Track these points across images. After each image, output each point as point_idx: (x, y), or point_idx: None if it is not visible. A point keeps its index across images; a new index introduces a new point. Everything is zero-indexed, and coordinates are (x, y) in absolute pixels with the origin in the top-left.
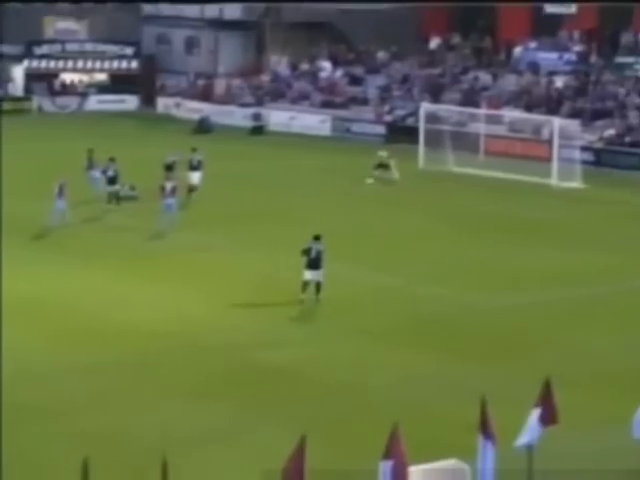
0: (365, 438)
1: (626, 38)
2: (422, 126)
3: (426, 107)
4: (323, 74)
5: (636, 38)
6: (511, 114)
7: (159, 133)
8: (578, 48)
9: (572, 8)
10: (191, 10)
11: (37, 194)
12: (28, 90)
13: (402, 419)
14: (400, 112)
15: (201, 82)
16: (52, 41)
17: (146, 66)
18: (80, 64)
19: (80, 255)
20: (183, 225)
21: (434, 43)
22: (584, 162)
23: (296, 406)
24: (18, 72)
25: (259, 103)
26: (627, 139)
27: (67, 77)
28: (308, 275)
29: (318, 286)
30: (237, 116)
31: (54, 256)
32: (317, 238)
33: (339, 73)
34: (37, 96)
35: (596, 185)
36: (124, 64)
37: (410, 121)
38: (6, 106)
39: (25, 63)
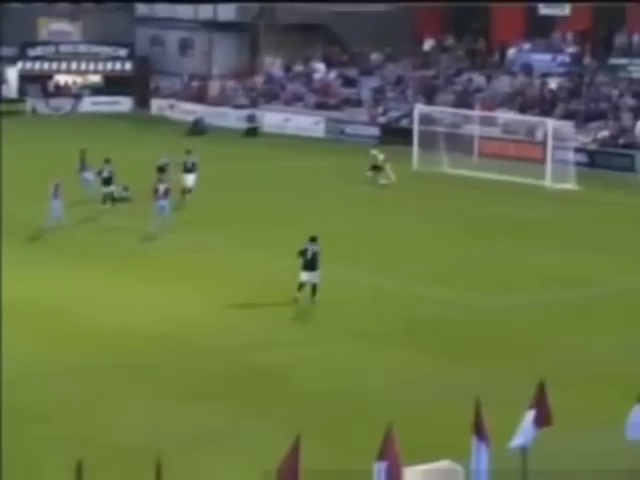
0: (361, 439)
1: (619, 40)
2: (416, 128)
3: (420, 109)
4: (317, 76)
5: (630, 40)
6: (505, 116)
7: (153, 135)
8: (572, 50)
9: (566, 10)
10: (185, 12)
11: (31, 195)
12: (22, 92)
13: (397, 420)
14: (394, 114)
15: (195, 84)
16: (46, 43)
17: (140, 68)
18: (74, 66)
19: (75, 256)
20: (178, 226)
21: (428, 45)
22: (578, 163)
23: (292, 407)
24: (12, 74)
25: (253, 105)
26: (621, 140)
27: (61, 79)
28: (304, 276)
29: (314, 288)
30: (231, 118)
31: (49, 257)
32: (313, 239)
33: (333, 75)
34: (31, 98)
35: (590, 186)
36: (118, 66)
37: (404, 123)
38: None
39: (19, 65)
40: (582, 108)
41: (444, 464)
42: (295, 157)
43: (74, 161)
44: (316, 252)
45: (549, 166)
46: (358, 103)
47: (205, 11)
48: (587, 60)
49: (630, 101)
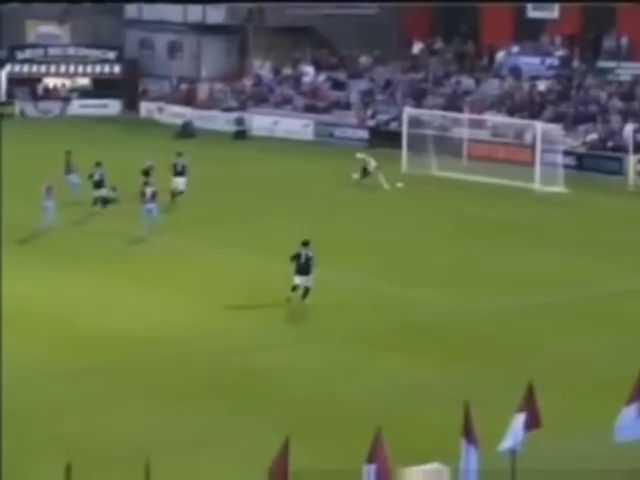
0: (351, 442)
1: (608, 43)
2: (405, 131)
3: (409, 112)
4: (306, 79)
5: (618, 43)
6: (494, 119)
7: (142, 137)
8: (560, 53)
9: (555, 13)
10: (174, 15)
11: (20, 197)
12: (10, 95)
13: (387, 423)
14: (383, 117)
15: (184, 86)
16: (34, 45)
17: (129, 70)
18: (63, 68)
19: (67, 258)
20: (168, 229)
21: (417, 48)
22: (566, 166)
23: (284, 410)
24: (0, 77)
25: (242, 107)
26: (609, 144)
27: (50, 81)
28: (297, 280)
29: (306, 291)
30: (220, 121)
31: (40, 260)
32: (306, 244)
33: (322, 78)
34: (20, 101)
35: (578, 189)
36: (107, 68)
37: (393, 126)
38: None
39: (7, 67)
40: (571, 111)
41: (432, 466)
42: (284, 160)
43: (61, 163)
44: (309, 257)
45: (538, 169)
46: (347, 106)
47: (194, 14)
48: (576, 63)
49: (618, 104)
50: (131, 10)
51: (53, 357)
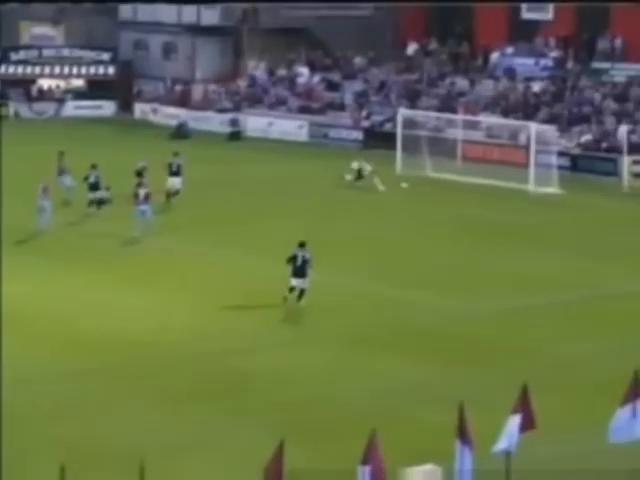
0: (348, 443)
1: (602, 44)
2: (399, 132)
3: (403, 113)
4: (300, 80)
5: (612, 44)
6: (488, 120)
7: (136, 139)
8: (555, 54)
9: (549, 14)
10: (168, 16)
11: (17, 199)
12: (4, 96)
13: (386, 424)
14: (377, 118)
15: (178, 88)
16: (29, 47)
17: (123, 72)
18: (57, 70)
19: (63, 259)
20: (163, 230)
21: (411, 49)
22: (561, 167)
23: (281, 411)
24: None
25: (236, 109)
26: (603, 145)
27: (44, 83)
28: (293, 282)
29: (301, 293)
30: (214, 122)
31: (37, 260)
32: (302, 245)
33: (316, 79)
34: (14, 102)
35: (572, 190)
36: (101, 70)
37: (387, 127)
38: None
39: (1, 69)
40: (565, 112)
41: (427, 467)
42: (279, 161)
43: (54, 164)
44: (306, 258)
45: (532, 170)
46: (341, 107)
47: (188, 15)
48: (570, 64)
49: (613, 105)
50: (125, 11)
51: (50, 358)
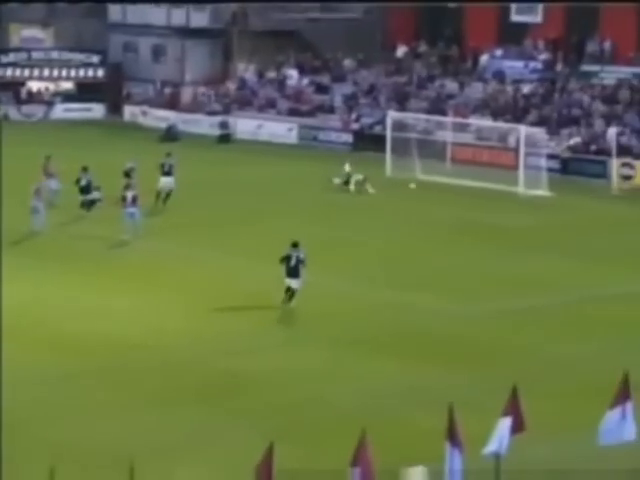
0: (341, 445)
1: (591, 46)
2: (389, 134)
3: (393, 115)
4: (290, 82)
5: (601, 46)
6: (477, 122)
7: (126, 141)
8: (544, 56)
9: (538, 17)
10: (157, 18)
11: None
12: None
13: (374, 427)
14: (367, 120)
15: (168, 90)
16: (18, 49)
17: (112, 74)
18: (46, 72)
19: (56, 261)
20: (154, 232)
21: (401, 51)
22: (550, 170)
23: (275, 413)
24: None
25: (226, 111)
26: (593, 147)
27: (33, 85)
28: (288, 283)
29: (293, 293)
30: (204, 124)
31: (30, 262)
32: (295, 245)
33: (306, 81)
34: (3, 105)
35: (562, 193)
36: (90, 72)
37: (377, 129)
38: None
39: None
40: (554, 115)
41: (416, 469)
42: (269, 163)
43: (41, 168)
44: (300, 258)
45: (521, 172)
46: (331, 109)
47: (178, 17)
48: (559, 67)
49: (602, 108)
50: (115, 14)
51: (42, 361)
